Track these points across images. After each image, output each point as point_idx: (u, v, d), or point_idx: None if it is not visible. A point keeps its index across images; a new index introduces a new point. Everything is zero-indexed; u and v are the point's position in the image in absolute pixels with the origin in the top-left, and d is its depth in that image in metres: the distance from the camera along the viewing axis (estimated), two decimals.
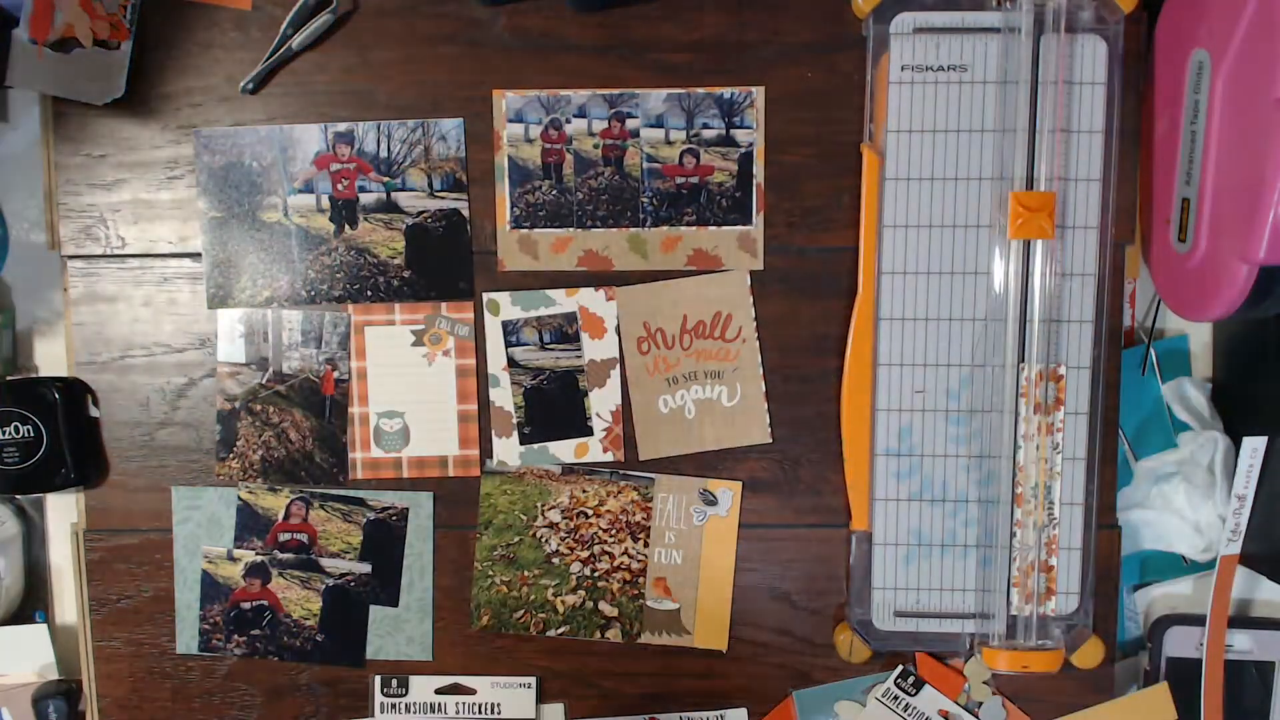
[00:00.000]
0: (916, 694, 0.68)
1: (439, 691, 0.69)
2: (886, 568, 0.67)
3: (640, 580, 0.69)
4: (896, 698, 0.68)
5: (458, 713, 0.69)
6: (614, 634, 0.69)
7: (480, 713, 0.69)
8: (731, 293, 0.67)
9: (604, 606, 0.69)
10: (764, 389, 0.68)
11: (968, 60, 0.64)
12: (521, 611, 0.69)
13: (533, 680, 0.69)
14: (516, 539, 0.69)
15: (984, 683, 0.68)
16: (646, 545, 0.68)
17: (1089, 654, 0.67)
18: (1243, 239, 0.58)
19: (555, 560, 0.69)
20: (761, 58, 0.66)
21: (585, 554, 0.69)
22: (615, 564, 0.69)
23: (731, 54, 0.66)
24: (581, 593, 0.69)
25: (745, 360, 0.67)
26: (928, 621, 0.68)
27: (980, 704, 0.68)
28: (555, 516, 0.68)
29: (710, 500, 0.68)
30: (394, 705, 0.69)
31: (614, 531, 0.68)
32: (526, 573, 0.69)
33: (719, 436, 0.68)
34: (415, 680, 0.70)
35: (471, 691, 0.69)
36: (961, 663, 0.68)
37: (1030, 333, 0.65)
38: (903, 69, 0.64)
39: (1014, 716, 0.69)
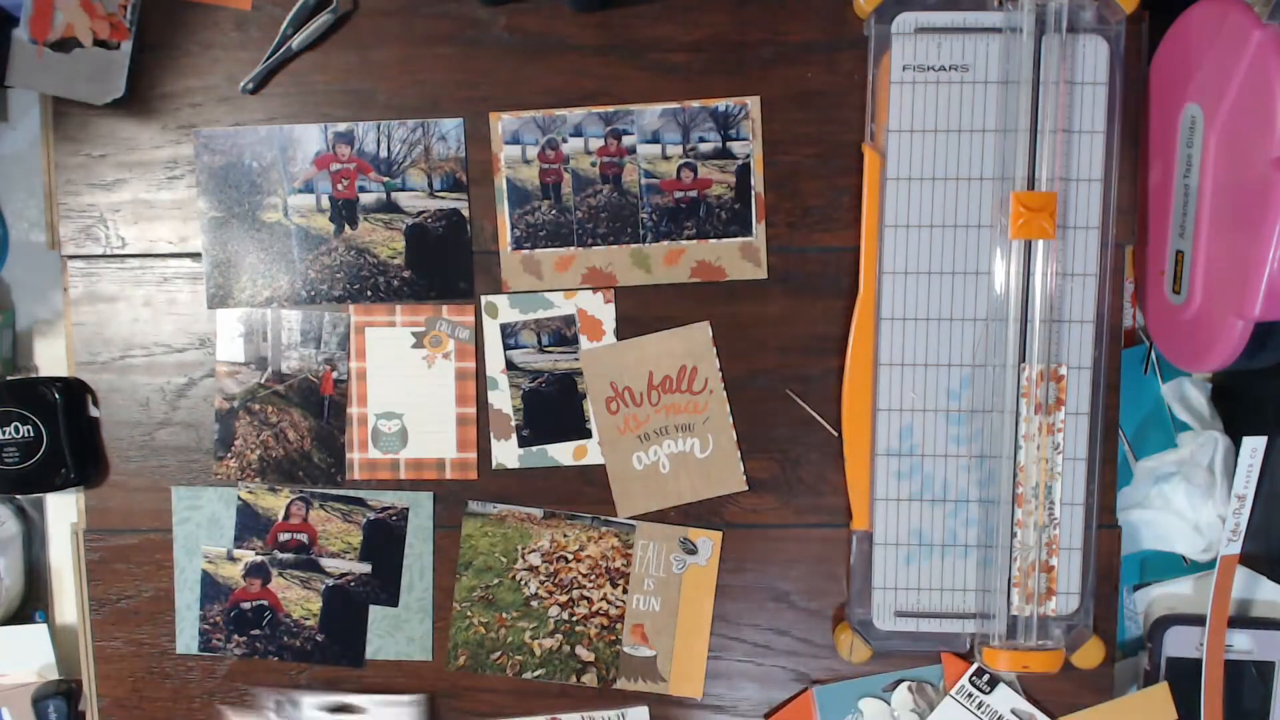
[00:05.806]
0: (991, 691, 0.68)
1: (327, 709, 0.69)
2: (887, 568, 0.67)
3: (618, 626, 0.69)
4: (971, 695, 0.68)
5: None
6: (590, 679, 0.69)
7: None
8: (695, 346, 0.67)
9: (581, 651, 0.69)
10: (735, 438, 0.67)
11: (969, 60, 0.64)
12: (498, 653, 0.69)
13: (423, 697, 0.69)
14: (496, 581, 0.69)
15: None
16: (625, 591, 0.68)
17: (1089, 654, 0.67)
18: (1238, 296, 0.58)
19: (534, 603, 0.69)
20: (762, 57, 0.66)
21: (564, 598, 0.69)
22: (594, 609, 0.69)
23: (731, 54, 0.66)
24: (559, 636, 0.69)
25: (715, 411, 0.67)
26: (928, 621, 0.67)
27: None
28: (535, 560, 0.68)
29: (690, 549, 0.68)
30: None
31: (593, 577, 0.68)
32: (505, 615, 0.69)
33: (695, 488, 0.68)
34: (305, 699, 0.69)
35: (362, 710, 0.69)
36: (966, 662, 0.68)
37: (1031, 333, 0.65)
38: (904, 69, 0.64)
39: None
